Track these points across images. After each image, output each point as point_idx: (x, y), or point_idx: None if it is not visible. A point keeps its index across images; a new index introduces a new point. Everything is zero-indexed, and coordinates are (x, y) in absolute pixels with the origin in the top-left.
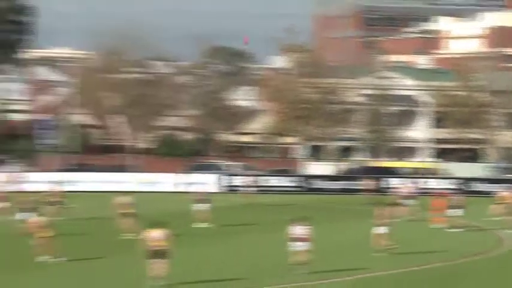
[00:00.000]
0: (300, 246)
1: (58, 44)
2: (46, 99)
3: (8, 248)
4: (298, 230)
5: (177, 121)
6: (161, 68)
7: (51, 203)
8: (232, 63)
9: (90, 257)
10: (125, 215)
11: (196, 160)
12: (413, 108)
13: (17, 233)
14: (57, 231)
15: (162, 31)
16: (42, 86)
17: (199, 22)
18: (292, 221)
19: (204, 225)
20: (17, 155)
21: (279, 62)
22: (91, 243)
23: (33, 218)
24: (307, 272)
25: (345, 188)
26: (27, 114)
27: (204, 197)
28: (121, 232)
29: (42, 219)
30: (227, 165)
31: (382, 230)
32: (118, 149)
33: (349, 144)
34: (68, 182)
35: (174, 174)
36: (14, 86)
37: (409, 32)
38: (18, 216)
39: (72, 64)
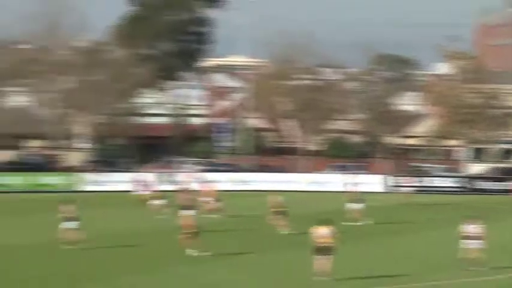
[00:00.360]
0: (472, 244)
1: (234, 53)
2: (223, 104)
3: (167, 242)
4: (471, 228)
5: (345, 125)
6: (330, 74)
7: (207, 201)
8: (397, 69)
9: (239, 251)
10: (277, 212)
11: (358, 160)
12: None
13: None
14: (210, 228)
15: (331, 40)
16: (220, 92)
17: (366, 31)
18: (466, 219)
19: (358, 223)
20: (197, 156)
21: (443, 68)
22: (243, 239)
23: (184, 214)
24: (477, 269)
25: (507, 189)
26: (206, 118)
27: (358, 197)
28: (273, 229)
29: (191, 215)
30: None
31: None
32: (290, 151)
33: (510, 147)
34: (242, 181)
35: (342, 174)
36: (194, 92)
37: None
38: (180, 213)
39: (247, 71)
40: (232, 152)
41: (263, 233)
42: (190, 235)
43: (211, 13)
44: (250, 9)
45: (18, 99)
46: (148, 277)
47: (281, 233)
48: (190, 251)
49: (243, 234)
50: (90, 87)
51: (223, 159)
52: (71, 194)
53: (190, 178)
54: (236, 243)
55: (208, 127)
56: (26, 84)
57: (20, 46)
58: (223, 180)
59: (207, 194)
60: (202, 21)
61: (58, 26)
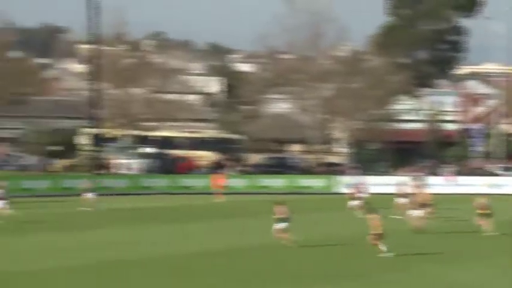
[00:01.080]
0: None
1: (488, 60)
2: (476, 110)
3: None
4: None
5: None
6: None
7: (421, 204)
8: None
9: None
10: (482, 215)
11: None
12: None
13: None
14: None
15: None
16: (473, 99)
17: None
18: None
19: None
20: (451, 160)
21: None
22: (464, 241)
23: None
24: None
25: None
26: (459, 124)
27: None
28: (478, 231)
29: (377, 216)
30: None
31: None
32: None
33: None
34: (496, 185)
35: None
36: (448, 98)
37: None
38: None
39: (499, 78)
40: (485, 156)
41: (475, 235)
42: (375, 235)
43: (466, 22)
44: (505, 18)
45: (281, 105)
46: (399, 274)
47: (484, 234)
48: (383, 252)
49: (460, 236)
50: (348, 94)
51: (476, 163)
52: (325, 196)
53: (443, 181)
54: (461, 245)
55: (461, 132)
56: (289, 92)
57: (284, 56)
58: (478, 184)
59: (423, 197)
60: (457, 30)
61: (320, 37)
